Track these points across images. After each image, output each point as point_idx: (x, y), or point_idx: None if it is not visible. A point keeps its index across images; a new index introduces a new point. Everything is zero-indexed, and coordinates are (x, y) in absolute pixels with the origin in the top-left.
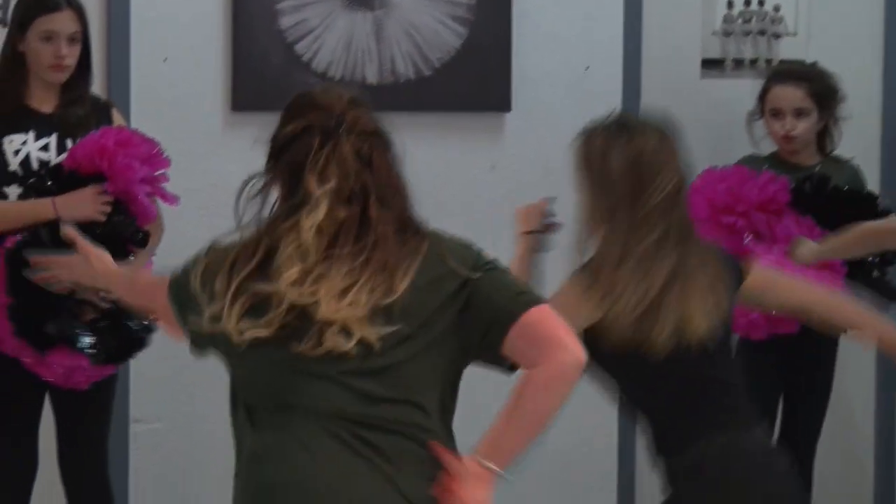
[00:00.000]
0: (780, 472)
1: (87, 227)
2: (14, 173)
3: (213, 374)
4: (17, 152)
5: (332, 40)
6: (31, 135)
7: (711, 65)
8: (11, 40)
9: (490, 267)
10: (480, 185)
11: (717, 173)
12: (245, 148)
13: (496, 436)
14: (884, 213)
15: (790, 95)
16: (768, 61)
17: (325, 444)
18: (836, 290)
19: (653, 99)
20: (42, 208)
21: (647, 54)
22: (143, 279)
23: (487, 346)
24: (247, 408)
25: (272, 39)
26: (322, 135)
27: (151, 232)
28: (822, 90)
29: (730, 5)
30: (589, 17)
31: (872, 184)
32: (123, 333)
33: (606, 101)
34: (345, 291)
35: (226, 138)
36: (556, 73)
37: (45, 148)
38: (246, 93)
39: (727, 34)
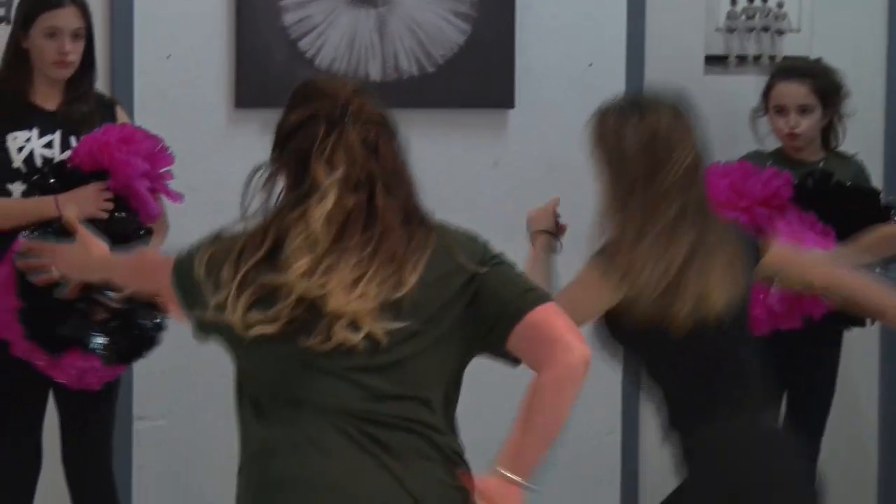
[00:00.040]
0: (793, 454)
1: (89, 225)
2: (18, 170)
3: (217, 372)
4: (20, 149)
5: (335, 37)
6: (34, 132)
7: (715, 61)
8: (15, 37)
9: (496, 261)
10: (484, 182)
11: (720, 169)
12: (248, 144)
13: (515, 447)
14: (886, 209)
15: (794, 92)
16: (772, 58)
17: (332, 440)
18: (859, 271)
19: None
20: (45, 206)
21: (651, 51)
22: (149, 258)
23: (492, 341)
24: (253, 401)
25: (276, 36)
26: (327, 123)
27: (156, 229)
28: (826, 86)
29: (733, 2)
30: (592, 14)
31: (876, 179)
32: (135, 333)
33: (610, 97)
34: (354, 283)
35: (229, 135)
36: (559, 70)
37: (48, 145)
38: (249, 89)
39: (731, 30)
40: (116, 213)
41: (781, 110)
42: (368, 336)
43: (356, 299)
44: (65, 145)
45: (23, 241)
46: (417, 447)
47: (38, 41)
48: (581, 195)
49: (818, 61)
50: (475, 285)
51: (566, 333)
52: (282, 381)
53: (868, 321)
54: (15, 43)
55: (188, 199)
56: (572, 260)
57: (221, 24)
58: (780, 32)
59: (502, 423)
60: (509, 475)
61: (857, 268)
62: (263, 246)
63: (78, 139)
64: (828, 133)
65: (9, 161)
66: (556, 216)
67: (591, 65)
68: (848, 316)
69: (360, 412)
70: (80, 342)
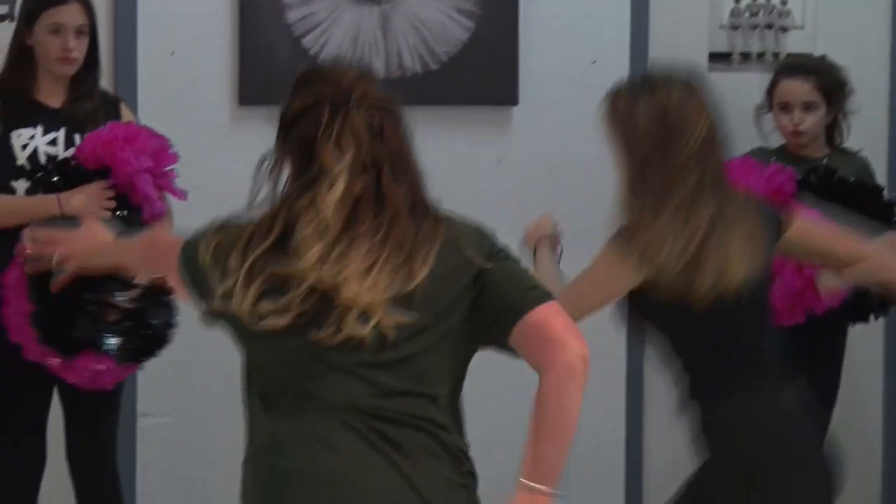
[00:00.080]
0: (811, 433)
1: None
2: (22, 168)
3: (221, 369)
4: (24, 146)
5: (338, 34)
6: (39, 129)
7: (719, 58)
8: (19, 34)
9: (502, 256)
10: (487, 179)
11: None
12: (252, 142)
13: (534, 457)
14: (890, 205)
15: (798, 89)
16: (775, 55)
17: (341, 436)
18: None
19: None
20: (48, 204)
21: (654, 48)
22: (159, 239)
23: (494, 335)
24: (261, 394)
25: (279, 33)
26: (332, 107)
27: (160, 228)
28: (830, 83)
29: None
30: (596, 11)
31: (880, 176)
32: (147, 333)
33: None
34: (367, 271)
35: (233, 132)
36: (563, 67)
37: (53, 142)
38: (253, 87)
39: (734, 28)
40: (119, 212)
41: (785, 107)
42: (378, 329)
43: (368, 290)
44: (69, 143)
45: (29, 230)
46: (425, 445)
47: (42, 38)
48: (584, 192)
49: (822, 58)
50: (481, 280)
51: (564, 333)
52: (290, 374)
53: (872, 317)
54: (19, 40)
55: (192, 196)
56: (574, 258)
57: (225, 22)
58: (784, 29)
59: (506, 417)
60: (535, 485)
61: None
62: (272, 234)
63: (82, 137)
64: (832, 130)
65: (13, 158)
66: (553, 225)
67: (594, 62)
68: (851, 311)
69: (369, 408)
70: (94, 344)
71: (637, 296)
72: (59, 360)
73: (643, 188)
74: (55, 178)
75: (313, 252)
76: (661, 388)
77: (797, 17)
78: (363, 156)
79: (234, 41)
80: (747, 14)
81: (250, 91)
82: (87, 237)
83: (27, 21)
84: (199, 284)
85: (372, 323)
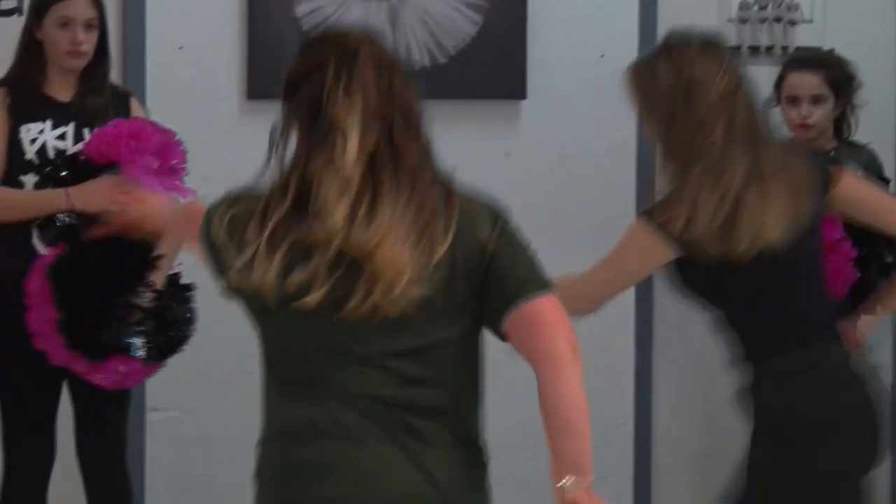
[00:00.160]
0: (862, 387)
1: (100, 218)
2: (30, 162)
3: (230, 363)
4: (33, 141)
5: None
6: (48, 123)
7: None
8: (29, 28)
9: (508, 239)
10: (495, 173)
11: None
12: (261, 135)
13: (555, 455)
14: None
15: (806, 82)
16: (784, 49)
17: (358, 425)
18: None
19: None
20: (55, 198)
21: None
22: (193, 209)
23: (489, 319)
24: (278, 378)
25: (288, 27)
26: (338, 63)
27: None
28: (838, 77)
29: None
30: (604, 4)
31: (888, 169)
32: (169, 330)
33: (622, 88)
34: (395, 236)
35: (241, 125)
36: (571, 61)
37: (61, 137)
38: (261, 80)
39: (743, 21)
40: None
41: (794, 100)
42: (405, 299)
43: (399, 256)
44: (78, 137)
45: (55, 256)
46: (442, 434)
47: (52, 31)
48: (593, 185)
49: (831, 52)
50: (488, 261)
51: (553, 322)
52: (306, 359)
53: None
54: (28, 34)
55: (201, 190)
56: (585, 252)
57: (233, 15)
58: (793, 23)
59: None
60: (567, 483)
61: None
62: (287, 197)
63: (91, 131)
64: (840, 123)
65: (21, 153)
66: None
67: (603, 55)
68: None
69: (387, 397)
70: (124, 348)
71: (680, 265)
72: (86, 364)
73: (673, 150)
74: (64, 173)
75: (340, 211)
76: (670, 382)
77: (806, 11)
78: (373, 108)
79: (242, 35)
80: (756, 7)
81: (259, 85)
82: (157, 202)
83: (36, 15)
84: (215, 260)
85: (399, 290)
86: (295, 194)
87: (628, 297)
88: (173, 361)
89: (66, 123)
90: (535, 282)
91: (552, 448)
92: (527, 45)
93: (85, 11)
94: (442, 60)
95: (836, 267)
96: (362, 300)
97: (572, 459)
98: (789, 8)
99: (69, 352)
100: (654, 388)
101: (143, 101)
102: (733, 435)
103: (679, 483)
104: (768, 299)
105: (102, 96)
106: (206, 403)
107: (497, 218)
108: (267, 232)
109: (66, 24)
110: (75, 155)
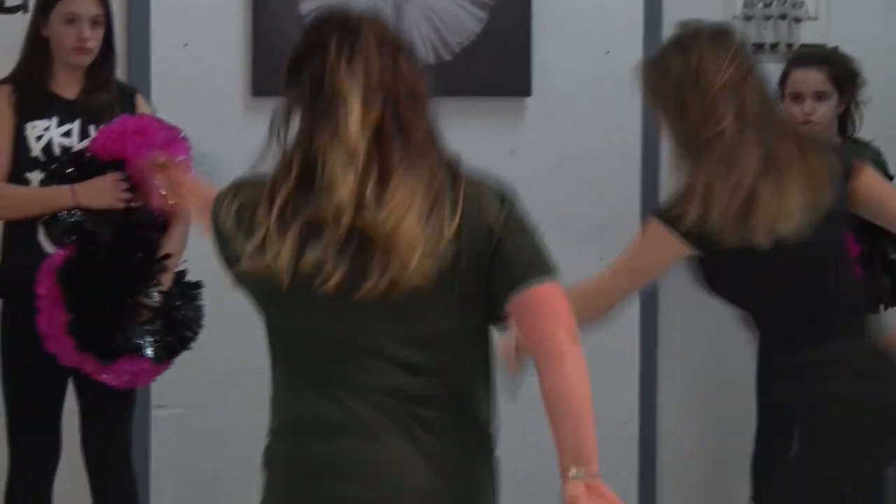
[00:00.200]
0: (887, 375)
1: (105, 215)
2: (36, 159)
3: (235, 360)
4: (39, 138)
5: None
6: (53, 120)
7: None
8: (34, 25)
9: (515, 223)
10: (500, 170)
11: None
12: (266, 132)
13: (559, 444)
14: None
15: (810, 79)
16: (789, 45)
17: (370, 418)
18: None
19: None
20: (61, 195)
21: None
22: (210, 193)
23: (491, 306)
24: (285, 368)
25: (293, 24)
26: (339, 40)
27: (177, 220)
28: (842, 74)
29: None
30: (609, 2)
31: (893, 167)
32: (177, 329)
33: (627, 86)
34: (407, 210)
35: (246, 123)
36: (576, 58)
37: (67, 134)
38: (266, 77)
39: (748, 18)
40: (133, 203)
41: (797, 97)
42: (420, 274)
43: (412, 230)
44: (84, 134)
45: (64, 258)
46: (453, 423)
47: (57, 28)
48: (597, 183)
49: (835, 49)
50: (493, 246)
51: (552, 309)
52: (314, 347)
53: (882, 307)
54: (34, 31)
55: None
56: (588, 248)
57: (238, 13)
58: (798, 20)
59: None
60: (573, 473)
61: None
62: (292, 174)
63: (97, 128)
64: (844, 120)
65: (27, 150)
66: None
67: (608, 53)
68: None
69: (397, 388)
70: (135, 348)
71: (702, 261)
72: (97, 365)
73: (685, 142)
74: (69, 170)
75: (346, 184)
76: (674, 381)
77: (810, 8)
78: (376, 79)
79: (247, 32)
80: (761, 4)
81: (263, 82)
82: (200, 186)
83: (42, 11)
84: (224, 249)
85: (414, 266)
86: (300, 171)
87: (632, 297)
88: (178, 358)
89: (71, 120)
90: (539, 267)
91: (555, 438)
92: (532, 42)
93: (91, 8)
94: (447, 57)
95: None
96: (378, 278)
97: (574, 448)
98: (794, 5)
99: (79, 353)
100: (659, 388)
101: (147, 99)
102: (737, 434)
103: (683, 482)
104: (791, 289)
105: (108, 93)
106: (211, 400)
107: (504, 200)
108: (275, 212)
109: (72, 20)
110: (81, 152)
